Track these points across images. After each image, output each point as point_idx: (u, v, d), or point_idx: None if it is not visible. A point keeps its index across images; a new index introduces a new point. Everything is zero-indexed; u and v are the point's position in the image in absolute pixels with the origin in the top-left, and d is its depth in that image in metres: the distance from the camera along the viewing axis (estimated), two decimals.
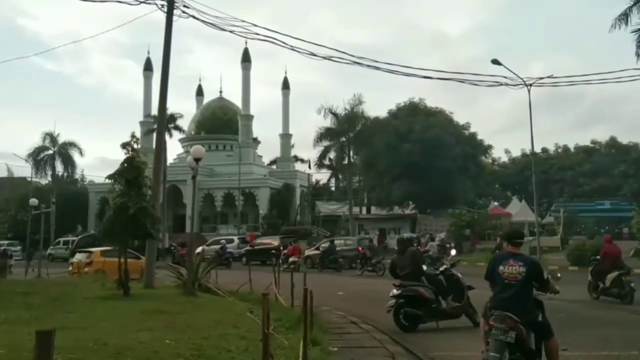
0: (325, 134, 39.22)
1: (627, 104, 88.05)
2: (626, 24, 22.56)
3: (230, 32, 14.66)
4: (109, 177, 12.43)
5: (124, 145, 12.20)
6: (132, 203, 11.45)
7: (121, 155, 12.38)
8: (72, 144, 49.21)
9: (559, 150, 59.72)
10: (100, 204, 48.14)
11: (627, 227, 41.75)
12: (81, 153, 49.88)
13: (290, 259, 24.09)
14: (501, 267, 5.38)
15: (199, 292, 12.80)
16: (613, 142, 56.10)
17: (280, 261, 22.41)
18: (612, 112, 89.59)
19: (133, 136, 12.43)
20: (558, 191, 52.45)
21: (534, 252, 28.81)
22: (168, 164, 43.96)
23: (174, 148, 60.05)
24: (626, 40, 22.58)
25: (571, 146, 59.40)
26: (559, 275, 6.22)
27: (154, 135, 16.72)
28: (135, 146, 12.37)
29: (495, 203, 51.61)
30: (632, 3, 22.37)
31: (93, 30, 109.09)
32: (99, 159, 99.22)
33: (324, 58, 16.16)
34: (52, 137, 48.40)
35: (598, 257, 13.88)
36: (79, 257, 20.10)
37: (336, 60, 16.36)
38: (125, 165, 12.06)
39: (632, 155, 48.08)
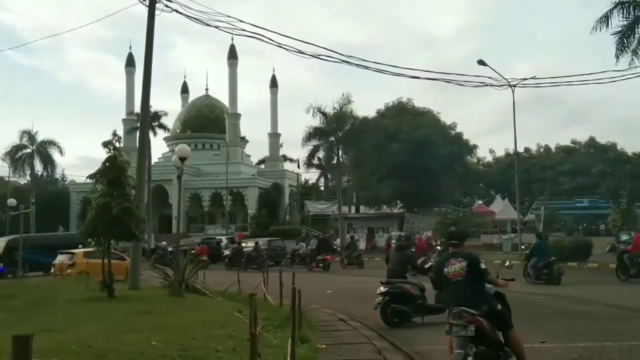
0: (314, 134, 39.07)
1: (607, 105, 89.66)
2: (607, 26, 22.83)
3: (215, 27, 14.41)
4: (90, 176, 12.15)
5: (106, 144, 11.93)
6: (115, 203, 11.21)
7: (104, 154, 12.10)
8: (51, 143, 48.55)
9: (541, 150, 60.70)
10: (82, 204, 47.44)
11: (604, 223, 42.59)
12: (61, 152, 49.29)
13: (198, 259, 24.84)
14: (445, 269, 5.61)
15: (186, 293, 12.65)
16: (592, 142, 57.13)
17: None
18: (592, 112, 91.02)
19: (115, 134, 12.15)
20: (539, 190, 53.40)
21: (516, 249, 29.17)
22: (153, 163, 43.54)
23: (159, 147, 59.64)
24: (608, 42, 22.75)
25: (552, 146, 60.47)
26: (507, 263, 6.60)
27: (138, 133, 16.33)
28: (117, 145, 12.08)
29: (480, 201, 52.12)
30: (613, 6, 22.60)
31: (72, 24, 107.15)
32: (80, 158, 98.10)
33: (312, 56, 15.99)
34: (30, 135, 47.68)
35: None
36: (61, 258, 19.67)
37: (324, 58, 16.20)
38: (107, 164, 11.80)
39: (610, 155, 49.07)
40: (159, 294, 12.61)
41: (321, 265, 23.59)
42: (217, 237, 36.89)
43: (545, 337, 7.80)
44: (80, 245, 21.46)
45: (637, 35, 22.65)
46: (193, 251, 26.90)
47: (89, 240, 11.94)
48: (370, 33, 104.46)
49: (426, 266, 10.54)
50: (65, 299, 11.54)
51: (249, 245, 30.14)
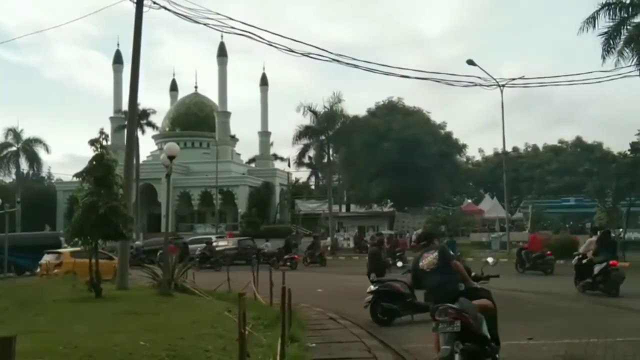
0: (304, 132, 39.04)
1: (593, 105, 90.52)
2: (594, 27, 23.07)
3: (205, 25, 14.39)
4: (77, 175, 12.01)
5: (93, 142, 11.81)
6: (102, 202, 11.10)
7: (91, 153, 11.97)
8: (37, 141, 48.05)
9: (529, 149, 61.27)
10: (69, 203, 46.97)
11: (590, 222, 43.17)
12: (47, 150, 48.81)
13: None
14: (420, 264, 5.93)
15: (175, 293, 12.56)
16: (579, 142, 57.82)
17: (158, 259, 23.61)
18: (579, 112, 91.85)
19: (102, 132, 12.05)
20: (527, 188, 53.92)
21: (504, 247, 29.41)
22: (141, 161, 43.30)
23: (147, 145, 59.29)
24: (595, 43, 23.01)
25: (540, 145, 61.01)
26: (489, 260, 6.66)
27: (125, 131, 16.20)
28: (104, 143, 11.95)
29: (469, 200, 52.51)
30: (599, 7, 22.83)
31: (58, 20, 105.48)
32: (67, 156, 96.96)
33: (303, 54, 16.01)
34: (15, 133, 47.16)
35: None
36: (47, 258, 19.45)
37: (315, 57, 16.23)
38: (94, 163, 11.67)
39: (596, 154, 49.73)
40: (147, 294, 12.52)
41: (288, 263, 24.05)
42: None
43: (532, 334, 7.90)
44: (65, 245, 21.31)
45: (623, 37, 22.91)
46: (162, 251, 27.12)
47: (76, 239, 11.81)
48: (361, 32, 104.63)
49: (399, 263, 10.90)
50: (52, 299, 11.40)
51: (220, 244, 30.36)
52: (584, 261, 12.99)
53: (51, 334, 7.25)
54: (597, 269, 12.34)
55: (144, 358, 6.01)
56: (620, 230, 27.12)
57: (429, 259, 5.94)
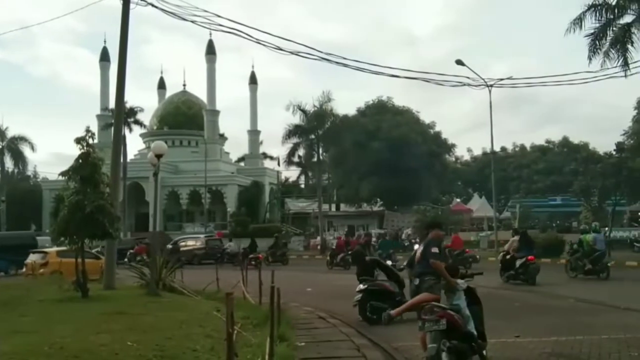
0: (294, 131, 38.93)
1: (580, 106, 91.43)
2: (580, 28, 23.30)
3: (192, 22, 14.27)
4: (63, 173, 11.85)
5: (78, 140, 11.65)
6: (88, 201, 10.97)
7: (77, 151, 11.81)
8: (22, 139, 47.49)
9: (517, 149, 61.80)
10: (55, 202, 46.46)
11: (576, 221, 43.69)
12: (33, 148, 48.25)
13: (138, 257, 25.77)
14: (416, 255, 6.59)
15: (163, 292, 12.48)
16: (565, 142, 58.48)
17: (127, 259, 24.42)
18: (565, 113, 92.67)
19: (88, 131, 11.88)
20: (515, 188, 54.41)
21: (492, 246, 29.66)
22: (129, 160, 42.92)
23: (135, 143, 58.84)
24: (582, 43, 23.27)
25: (528, 145, 61.59)
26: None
27: (112, 129, 16.05)
28: (90, 141, 11.82)
29: (458, 199, 52.76)
30: (586, 8, 23.05)
31: (43, 16, 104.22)
32: (53, 155, 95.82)
33: (292, 53, 15.97)
34: (0, 131, 46.46)
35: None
36: (33, 257, 19.22)
37: (304, 55, 16.20)
38: (80, 161, 11.52)
39: (582, 154, 50.28)
40: (135, 294, 12.42)
41: (253, 262, 24.28)
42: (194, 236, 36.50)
43: (519, 331, 7.96)
44: (48, 245, 21.00)
45: (609, 38, 23.15)
46: (132, 250, 27.76)
47: (62, 239, 11.68)
48: (351, 31, 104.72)
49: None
50: (37, 300, 11.28)
51: (188, 244, 30.48)
52: (508, 257, 15.42)
53: (36, 334, 7.17)
54: (518, 263, 14.78)
55: (131, 358, 5.96)
56: (606, 229, 27.45)
57: (419, 252, 6.33)
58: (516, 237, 15.79)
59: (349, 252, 23.23)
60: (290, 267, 25.14)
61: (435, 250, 6.45)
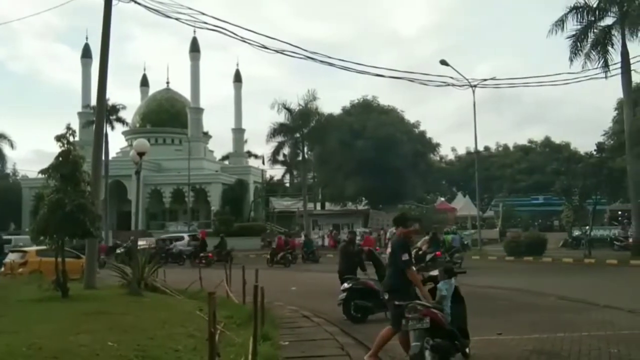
0: (279, 130, 38.86)
1: (562, 106, 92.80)
2: (562, 29, 23.64)
3: (176, 19, 14.13)
4: (42, 171, 11.64)
5: (59, 138, 11.42)
6: (68, 200, 10.76)
7: (58, 149, 11.59)
8: (1, 136, 46.85)
9: (500, 148, 62.57)
10: (35, 200, 45.69)
11: (558, 220, 44.34)
12: (12, 146, 47.52)
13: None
14: (388, 249, 6.14)
15: (146, 292, 12.35)
16: (547, 142, 59.38)
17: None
18: (547, 113, 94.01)
19: (68, 128, 11.63)
20: (498, 187, 55.08)
21: (476, 244, 29.94)
22: (111, 158, 42.42)
23: (117, 141, 58.19)
24: (564, 45, 23.61)
25: (511, 145, 62.38)
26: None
27: (94, 127, 15.82)
28: (71, 139, 11.60)
29: (442, 198, 53.22)
30: (568, 10, 23.37)
31: (23, 12, 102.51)
32: (33, 152, 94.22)
33: (276, 51, 15.94)
34: None
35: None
36: (12, 257, 18.87)
37: (289, 54, 16.19)
38: (61, 159, 11.30)
39: (564, 154, 51.11)
40: (116, 293, 12.24)
41: (204, 261, 25.63)
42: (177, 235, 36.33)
43: (502, 329, 8.05)
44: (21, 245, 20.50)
45: (590, 39, 23.51)
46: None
47: (41, 238, 11.47)
48: (336, 31, 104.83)
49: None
50: (16, 299, 11.03)
51: (140, 244, 30.18)
52: (420, 252, 17.27)
53: (15, 335, 7.00)
54: (428, 257, 16.91)
55: (112, 359, 5.88)
56: (587, 227, 27.85)
57: (389, 251, 6.11)
58: (427, 237, 18.61)
59: (289, 251, 25.57)
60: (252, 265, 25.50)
61: (405, 257, 5.81)
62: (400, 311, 5.73)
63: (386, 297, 6.23)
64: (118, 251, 28.04)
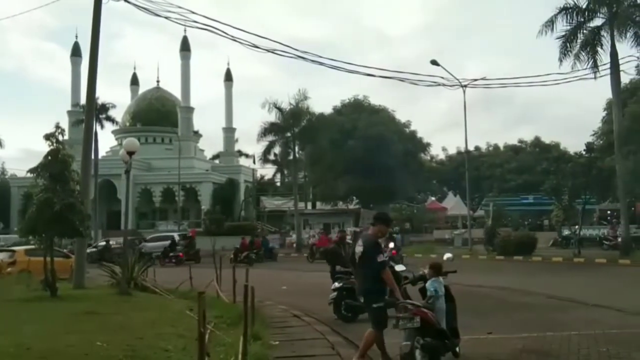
0: (269, 129, 38.72)
1: (551, 106, 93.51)
2: (552, 30, 23.78)
3: (166, 18, 14.06)
4: (31, 170, 11.54)
5: (48, 137, 11.38)
6: (57, 199, 10.70)
7: (47, 147, 11.52)
8: None
9: (490, 148, 62.85)
10: (24, 199, 45.22)
11: (547, 219, 44.69)
12: (1, 144, 46.83)
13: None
14: (356, 247, 5.92)
15: (135, 292, 12.30)
16: (537, 142, 59.77)
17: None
18: (537, 113, 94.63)
19: (58, 127, 11.60)
20: (488, 187, 55.30)
21: (466, 244, 30.10)
22: (100, 157, 42.14)
23: (107, 140, 57.76)
24: (554, 45, 23.75)
25: (501, 145, 62.69)
26: (446, 257, 6.73)
27: (83, 126, 15.69)
28: (60, 138, 11.54)
29: (433, 198, 53.39)
30: (558, 11, 23.53)
31: (12, 10, 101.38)
32: (22, 151, 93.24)
33: (267, 51, 15.94)
34: None
35: None
36: (0, 256, 18.66)
37: (279, 53, 16.18)
38: (50, 158, 11.25)
39: (553, 154, 51.54)
40: (105, 293, 12.18)
41: (174, 260, 26.55)
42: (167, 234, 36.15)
43: (492, 328, 8.08)
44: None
45: (579, 40, 23.68)
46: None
47: (30, 237, 11.38)
48: (327, 30, 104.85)
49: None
50: (4, 299, 10.92)
51: (110, 244, 30.49)
52: None
53: (2, 335, 6.93)
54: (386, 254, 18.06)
55: (101, 359, 5.83)
56: (576, 227, 28.11)
57: (358, 249, 5.86)
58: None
59: (254, 251, 26.47)
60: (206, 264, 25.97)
61: (381, 258, 5.72)
62: (380, 312, 5.76)
63: (362, 300, 6.20)
64: (88, 251, 28.01)
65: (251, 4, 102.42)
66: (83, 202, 11.91)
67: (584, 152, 35.93)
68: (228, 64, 58.58)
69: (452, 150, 63.39)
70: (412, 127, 46.33)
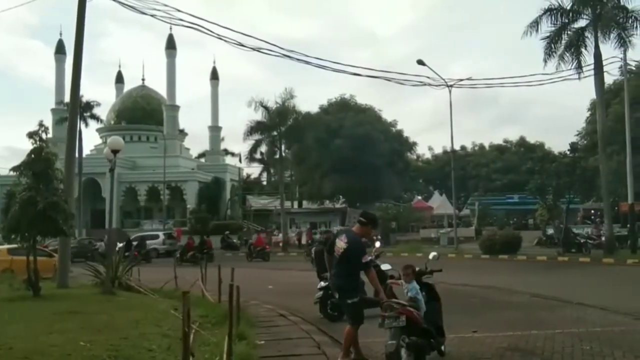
0: (256, 128, 38.60)
1: (536, 107, 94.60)
2: (537, 31, 24.00)
3: (152, 16, 13.92)
4: (14, 169, 11.40)
5: (31, 135, 11.26)
6: (40, 197, 10.59)
7: (30, 145, 11.39)
8: None
9: (476, 148, 63.40)
10: (6, 198, 44.41)
11: (532, 218, 45.21)
12: None
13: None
14: (337, 240, 5.90)
15: (119, 291, 12.21)
16: (522, 142, 60.47)
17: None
18: (522, 113, 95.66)
19: (41, 125, 11.49)
20: (474, 186, 55.78)
21: (452, 243, 30.31)
22: (85, 155, 41.69)
23: (92, 138, 57.24)
24: (540, 45, 23.98)
25: (486, 144, 63.27)
26: (431, 255, 6.64)
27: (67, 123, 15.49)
28: (44, 135, 11.41)
29: (419, 197, 53.70)
30: (542, 12, 23.77)
31: None
32: (5, 149, 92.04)
33: (253, 49, 15.88)
34: None
35: None
36: None
37: (265, 52, 16.14)
38: (33, 156, 11.12)
39: (538, 154, 52.14)
40: (89, 293, 12.06)
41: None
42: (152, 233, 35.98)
43: (477, 326, 8.12)
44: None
45: (563, 41, 23.94)
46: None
47: (13, 236, 11.24)
48: (314, 29, 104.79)
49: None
50: None
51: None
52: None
53: None
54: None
55: (84, 359, 5.77)
56: (561, 226, 28.42)
57: (340, 244, 5.85)
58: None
59: (204, 250, 26.79)
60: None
61: (366, 259, 5.81)
62: (355, 308, 5.86)
63: (337, 296, 6.24)
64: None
65: (239, 3, 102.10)
66: (67, 201, 11.80)
67: (568, 152, 36.39)
68: (214, 62, 58.35)
69: (438, 150, 63.88)
70: (399, 127, 46.53)
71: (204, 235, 32.06)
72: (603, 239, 24.69)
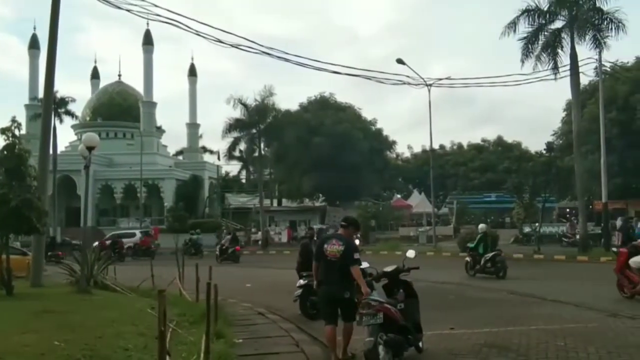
0: (235, 125, 38.35)
1: (513, 106, 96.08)
2: (514, 31, 24.35)
3: (127, 11, 13.69)
4: None
5: (4, 131, 11.06)
6: (13, 195, 10.38)
7: (2, 142, 11.17)
8: None
9: (454, 147, 63.96)
10: None
11: (509, 217, 45.92)
12: None
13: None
14: (325, 246, 6.07)
15: (95, 290, 12.02)
16: (500, 141, 61.23)
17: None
18: (500, 113, 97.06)
19: (14, 121, 11.30)
20: (452, 185, 56.29)
21: (430, 241, 30.59)
22: (59, 152, 40.86)
23: (67, 135, 56.15)
24: (516, 46, 24.33)
25: (465, 144, 63.89)
26: (409, 253, 6.62)
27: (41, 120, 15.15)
28: (17, 132, 11.19)
29: (398, 195, 53.98)
30: (520, 13, 24.12)
31: None
32: None
33: (232, 46, 15.79)
34: None
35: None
36: None
37: (244, 49, 16.04)
38: (5, 153, 10.92)
39: (515, 153, 52.90)
40: (64, 291, 11.86)
41: (52, 259, 26.04)
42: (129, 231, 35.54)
43: (454, 323, 8.20)
44: None
45: (540, 42, 24.32)
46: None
47: None
48: (294, 27, 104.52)
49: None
50: None
51: None
52: (223, 247, 24.39)
53: None
54: (229, 250, 23.38)
55: (59, 359, 5.66)
56: (537, 224, 28.89)
57: (335, 248, 6.02)
58: (229, 236, 25.47)
59: (115, 250, 27.08)
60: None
61: (357, 256, 6.07)
62: (355, 303, 5.95)
63: (336, 298, 6.22)
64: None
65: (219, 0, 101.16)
66: (40, 198, 11.58)
67: (544, 152, 36.99)
68: (192, 59, 58.07)
69: (417, 149, 64.25)
70: (378, 125, 46.80)
71: (119, 236, 32.65)
72: (577, 237, 25.15)
